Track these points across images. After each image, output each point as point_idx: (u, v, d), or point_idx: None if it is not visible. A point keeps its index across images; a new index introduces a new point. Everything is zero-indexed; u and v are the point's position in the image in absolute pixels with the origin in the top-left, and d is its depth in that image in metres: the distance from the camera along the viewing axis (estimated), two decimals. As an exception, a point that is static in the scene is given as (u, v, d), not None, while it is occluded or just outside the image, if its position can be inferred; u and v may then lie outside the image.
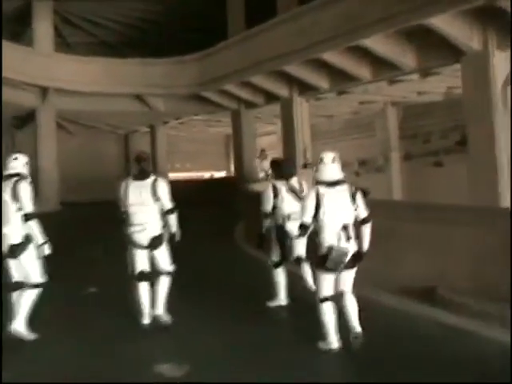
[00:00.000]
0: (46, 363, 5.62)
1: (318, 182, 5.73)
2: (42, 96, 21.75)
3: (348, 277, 5.74)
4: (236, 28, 20.45)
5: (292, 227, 7.10)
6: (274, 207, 7.37)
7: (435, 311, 7.06)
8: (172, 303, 6.79)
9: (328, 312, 5.59)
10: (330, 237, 5.57)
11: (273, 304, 7.42)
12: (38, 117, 22.41)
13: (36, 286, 6.24)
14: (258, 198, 7.65)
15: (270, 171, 8.57)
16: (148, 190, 6.55)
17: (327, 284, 5.65)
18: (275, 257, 7.49)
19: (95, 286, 8.70)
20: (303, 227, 5.78)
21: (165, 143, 28.82)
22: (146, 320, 6.63)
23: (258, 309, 7.30)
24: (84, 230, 14.92)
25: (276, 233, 7.44)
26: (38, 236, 6.21)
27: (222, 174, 35.00)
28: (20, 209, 6.15)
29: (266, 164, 18.96)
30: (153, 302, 6.70)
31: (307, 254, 7.42)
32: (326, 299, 5.61)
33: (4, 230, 6.12)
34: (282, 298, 7.44)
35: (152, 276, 6.72)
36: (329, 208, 5.58)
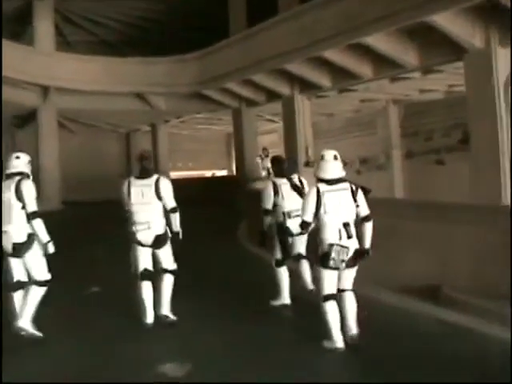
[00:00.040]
0: (47, 363, 5.60)
1: (319, 180, 5.72)
2: (43, 95, 21.75)
3: (349, 275, 5.74)
4: (237, 26, 20.43)
5: (292, 225, 7.12)
6: (275, 205, 7.37)
7: (437, 309, 7.08)
8: (174, 302, 6.78)
9: (331, 311, 5.57)
10: (331, 235, 5.56)
11: (276, 303, 7.40)
12: (39, 116, 22.41)
13: (42, 283, 6.23)
14: (259, 196, 7.63)
15: (271, 169, 8.55)
16: (151, 188, 6.56)
17: (329, 282, 5.62)
18: (277, 255, 7.48)
19: (97, 286, 8.69)
20: (304, 225, 5.76)
21: (166, 142, 28.82)
22: (149, 319, 6.61)
23: (262, 308, 7.28)
24: (86, 229, 14.92)
25: (277, 230, 7.44)
26: (43, 234, 6.20)
27: (223, 172, 35.00)
28: (24, 207, 6.14)
29: (268, 162, 18.93)
30: (155, 301, 6.69)
31: (307, 252, 7.43)
32: (328, 298, 5.59)
33: (6, 229, 6.11)
34: (285, 297, 7.41)
35: (155, 275, 6.72)
36: (329, 206, 5.58)
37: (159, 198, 6.56)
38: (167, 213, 6.66)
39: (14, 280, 6.21)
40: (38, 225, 6.18)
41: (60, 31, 25.13)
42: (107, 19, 25.45)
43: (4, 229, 6.10)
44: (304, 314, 6.69)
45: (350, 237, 5.58)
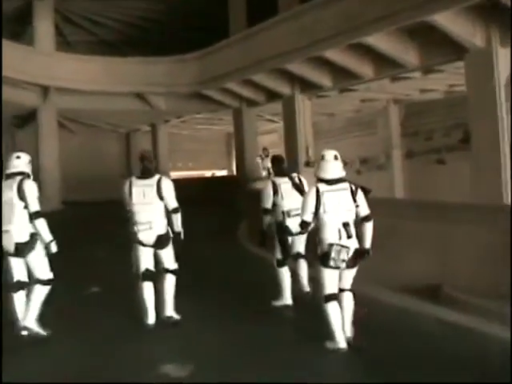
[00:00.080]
0: (47, 363, 5.60)
1: (319, 180, 5.72)
2: (43, 95, 21.74)
3: (348, 275, 5.74)
4: (237, 26, 20.41)
5: (292, 224, 7.13)
6: (274, 204, 7.38)
7: (437, 309, 7.08)
8: (175, 303, 6.78)
9: (333, 311, 5.56)
10: (331, 234, 5.56)
11: (278, 303, 7.38)
12: (39, 116, 22.40)
13: (46, 282, 6.25)
14: (259, 195, 7.63)
15: (271, 169, 8.58)
16: (152, 188, 6.56)
17: (330, 281, 5.62)
18: (278, 255, 7.46)
19: (98, 286, 8.68)
20: (303, 225, 5.76)
21: (166, 142, 28.80)
22: (151, 320, 6.61)
23: (263, 308, 7.26)
24: (86, 229, 14.92)
25: (276, 230, 7.44)
26: (46, 234, 6.21)
27: (223, 172, 34.99)
28: (26, 207, 6.15)
29: (268, 162, 18.91)
30: (158, 302, 6.69)
31: (306, 251, 7.42)
32: (330, 298, 5.57)
33: (8, 228, 6.11)
34: (287, 298, 7.40)
35: (156, 275, 6.72)
36: (329, 206, 5.58)
37: (161, 198, 6.56)
38: (168, 213, 6.66)
39: (15, 280, 6.21)
40: (41, 224, 6.19)
41: (60, 31, 25.12)
42: (107, 19, 25.44)
43: (6, 228, 6.10)
44: (306, 314, 6.67)
45: (349, 237, 5.57)
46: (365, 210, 5.72)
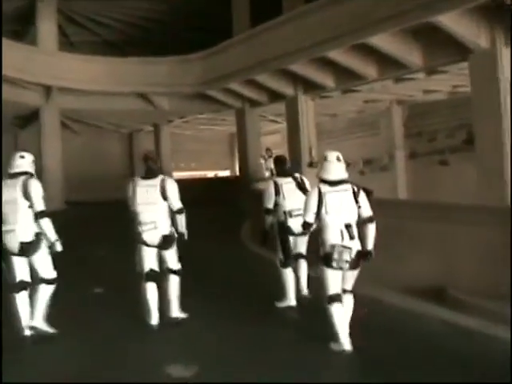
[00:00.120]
0: (47, 363, 5.61)
1: (321, 181, 5.72)
2: (46, 95, 21.70)
3: (350, 276, 5.75)
4: (241, 26, 20.36)
5: (294, 224, 7.14)
6: (276, 204, 7.39)
7: (441, 310, 7.09)
8: (180, 302, 6.81)
9: (337, 313, 5.55)
10: (333, 235, 5.57)
11: (282, 304, 7.37)
12: (41, 116, 22.36)
13: (50, 281, 6.30)
14: (262, 196, 7.64)
15: (274, 169, 8.62)
16: (156, 189, 6.58)
17: (334, 282, 5.63)
18: (282, 255, 7.45)
19: (100, 286, 8.67)
20: (306, 225, 5.78)
21: (169, 142, 28.80)
22: (154, 321, 6.60)
23: (267, 309, 7.25)
24: (88, 229, 14.88)
25: (278, 230, 7.45)
26: (51, 233, 6.24)
27: (226, 173, 34.96)
28: (31, 206, 6.17)
29: (272, 163, 18.90)
30: (163, 303, 6.71)
31: (307, 253, 7.41)
32: (333, 299, 5.56)
33: (12, 228, 6.13)
34: (291, 299, 7.38)
35: (159, 276, 6.71)
36: (331, 207, 5.59)
37: (164, 198, 6.57)
38: (172, 213, 6.66)
39: (17, 280, 6.21)
40: (46, 224, 6.23)
41: (63, 31, 25.11)
42: (110, 19, 25.42)
43: (10, 228, 6.12)
44: (309, 315, 6.64)
45: (352, 238, 5.59)
46: (367, 212, 5.73)
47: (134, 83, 21.66)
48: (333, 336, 5.62)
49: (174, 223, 6.71)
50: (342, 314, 5.55)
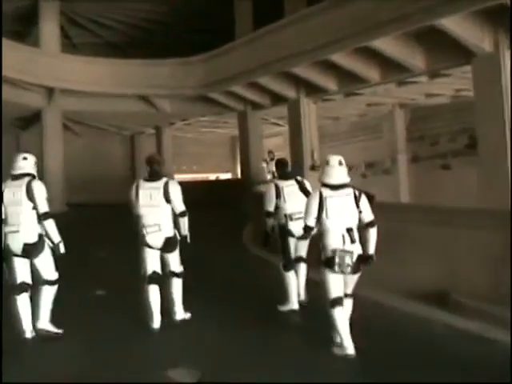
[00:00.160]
0: (47, 364, 5.60)
1: (323, 185, 5.72)
2: (48, 96, 21.70)
3: (350, 281, 5.73)
4: (243, 29, 20.37)
5: (294, 227, 7.13)
6: (277, 207, 7.38)
7: (443, 314, 7.07)
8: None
9: (340, 317, 5.52)
10: (335, 240, 5.56)
11: (284, 308, 7.33)
12: (43, 117, 22.37)
13: (53, 282, 6.31)
14: (263, 199, 7.64)
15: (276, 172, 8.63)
16: (159, 191, 6.58)
17: (335, 285, 5.61)
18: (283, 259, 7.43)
19: (102, 288, 8.65)
20: (307, 229, 5.76)
21: (170, 145, 28.78)
22: (156, 324, 6.59)
23: (269, 313, 7.22)
24: (90, 231, 14.86)
25: (279, 233, 7.43)
26: (55, 235, 6.26)
27: (227, 175, 34.96)
28: (35, 208, 6.19)
29: (274, 166, 18.84)
30: (167, 306, 6.72)
31: (308, 256, 7.39)
32: (336, 303, 5.54)
33: (16, 229, 6.13)
34: (293, 302, 7.34)
35: (161, 278, 6.70)
36: (332, 211, 5.58)
37: (168, 200, 6.56)
38: (175, 216, 6.65)
39: (18, 281, 6.20)
40: (50, 225, 6.25)
41: (65, 33, 25.14)
42: (112, 21, 25.43)
43: (13, 229, 6.14)
44: (315, 318, 6.60)
45: (353, 242, 5.57)
46: (368, 216, 5.71)
47: (136, 85, 21.66)
48: (336, 340, 5.59)
49: (176, 226, 6.70)
50: (344, 319, 5.53)
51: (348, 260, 5.47)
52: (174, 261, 6.78)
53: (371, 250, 5.68)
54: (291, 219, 7.26)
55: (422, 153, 23.95)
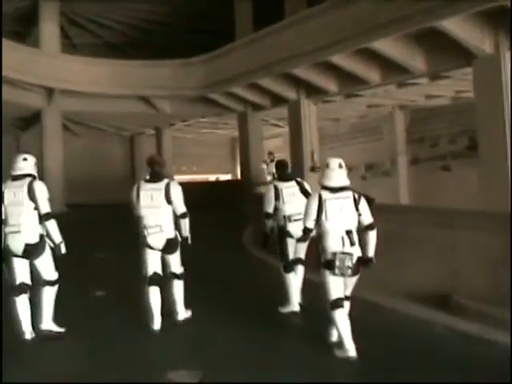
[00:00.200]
0: (47, 364, 5.60)
1: (323, 187, 5.72)
2: (48, 97, 21.69)
3: (349, 283, 5.73)
4: (244, 30, 20.37)
5: (293, 228, 7.13)
6: (276, 208, 7.37)
7: (444, 316, 7.06)
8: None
9: (341, 319, 5.51)
10: (334, 242, 5.56)
11: (285, 310, 7.32)
12: (43, 118, 22.35)
13: (53, 283, 6.33)
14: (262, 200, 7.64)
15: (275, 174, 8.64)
16: (161, 192, 6.57)
17: (336, 287, 5.60)
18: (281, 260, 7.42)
19: (101, 289, 8.63)
20: (306, 231, 5.77)
21: (170, 145, 28.78)
22: (156, 326, 6.58)
23: (269, 314, 7.20)
24: (89, 232, 14.83)
25: (278, 234, 7.42)
26: (56, 235, 6.27)
27: (227, 176, 34.95)
28: (36, 208, 6.19)
29: (273, 167, 18.81)
30: (168, 307, 6.72)
31: (306, 257, 7.38)
32: (336, 304, 5.53)
33: (17, 229, 6.13)
34: (294, 304, 7.33)
35: (162, 280, 6.70)
36: (331, 213, 5.58)
37: (168, 202, 6.56)
38: (176, 217, 6.65)
39: (17, 282, 6.19)
40: (52, 226, 6.26)
41: (65, 33, 25.12)
42: (112, 21, 25.41)
43: (14, 229, 6.15)
44: (316, 320, 6.59)
45: (352, 244, 5.58)
46: (368, 219, 5.72)
47: (136, 86, 21.64)
48: (337, 342, 5.60)
49: (177, 227, 6.69)
50: (345, 320, 5.52)
51: (348, 262, 5.47)
52: (175, 262, 6.77)
53: (371, 252, 5.69)
54: (290, 220, 7.25)
55: (421, 154, 23.92)
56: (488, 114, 12.93)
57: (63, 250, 6.32)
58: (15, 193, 6.18)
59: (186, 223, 6.69)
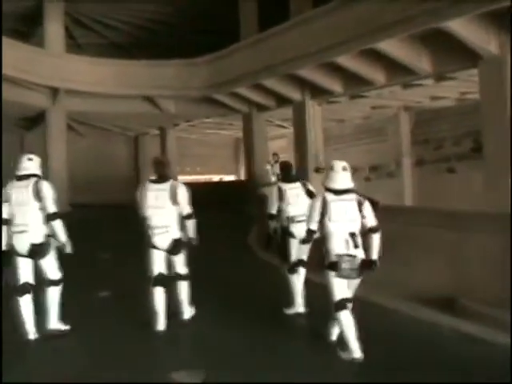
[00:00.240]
0: (47, 364, 5.61)
1: (327, 189, 5.72)
2: (53, 97, 21.68)
3: (352, 285, 5.72)
4: (248, 30, 20.33)
5: (296, 230, 7.15)
6: (279, 210, 7.39)
7: (449, 318, 7.06)
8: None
9: (346, 320, 5.50)
10: (338, 245, 5.55)
11: (290, 311, 7.31)
12: (48, 118, 22.34)
13: (57, 282, 6.36)
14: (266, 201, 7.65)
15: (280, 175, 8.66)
16: (166, 193, 6.57)
17: (340, 289, 5.59)
18: (284, 261, 7.44)
19: (105, 290, 8.63)
20: (309, 233, 5.77)
21: (175, 146, 28.76)
22: (161, 326, 6.57)
23: (274, 315, 7.21)
24: (93, 232, 14.83)
25: (281, 235, 7.45)
26: (62, 235, 6.28)
27: (231, 177, 34.94)
28: (42, 208, 6.21)
29: (278, 168, 18.81)
30: (173, 307, 6.73)
31: (308, 260, 7.37)
32: (341, 305, 5.52)
33: (23, 229, 6.15)
34: (299, 305, 7.32)
35: (168, 280, 6.70)
36: (335, 215, 5.58)
37: (174, 202, 6.54)
38: (181, 218, 6.64)
39: (21, 282, 6.19)
40: (59, 225, 6.27)
41: (70, 33, 25.13)
42: (117, 22, 25.39)
43: (19, 229, 6.16)
44: (321, 321, 6.58)
45: (356, 246, 5.57)
46: (371, 222, 5.71)
47: (141, 86, 21.63)
48: (342, 343, 5.59)
49: (182, 227, 6.68)
50: (350, 322, 5.50)
51: (352, 264, 5.47)
52: (181, 263, 6.77)
53: (374, 255, 5.66)
54: (293, 221, 7.27)
55: (426, 156, 23.87)
56: (493, 115, 12.90)
57: (69, 249, 6.33)
58: (20, 193, 6.20)
59: (192, 224, 6.68)
